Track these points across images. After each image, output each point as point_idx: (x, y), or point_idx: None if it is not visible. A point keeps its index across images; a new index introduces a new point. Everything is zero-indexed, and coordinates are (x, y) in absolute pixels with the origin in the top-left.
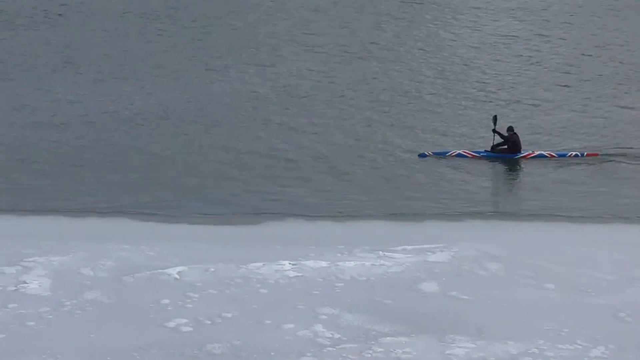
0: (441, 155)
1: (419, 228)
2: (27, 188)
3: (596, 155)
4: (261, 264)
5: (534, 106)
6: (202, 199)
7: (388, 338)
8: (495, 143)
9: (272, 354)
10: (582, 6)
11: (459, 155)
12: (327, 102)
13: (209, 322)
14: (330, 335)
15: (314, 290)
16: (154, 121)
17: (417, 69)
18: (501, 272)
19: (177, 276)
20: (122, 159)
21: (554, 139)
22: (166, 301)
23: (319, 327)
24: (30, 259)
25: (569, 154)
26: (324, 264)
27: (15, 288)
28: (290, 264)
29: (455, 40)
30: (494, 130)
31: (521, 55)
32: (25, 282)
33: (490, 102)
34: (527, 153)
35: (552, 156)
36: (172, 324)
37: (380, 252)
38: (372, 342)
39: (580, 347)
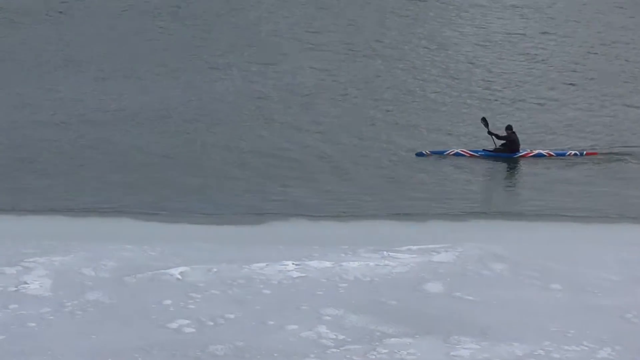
0: (439, 154)
1: (423, 228)
2: (27, 187)
3: (595, 154)
4: (264, 264)
5: (540, 105)
6: (205, 198)
7: (392, 339)
8: (496, 145)
9: (276, 355)
10: (588, 4)
11: (457, 154)
12: (330, 101)
13: (211, 323)
14: (334, 337)
15: (317, 291)
16: (156, 120)
17: (422, 67)
18: (506, 272)
19: (180, 276)
20: (123, 158)
21: (559, 138)
22: (168, 302)
23: (322, 328)
24: (31, 259)
25: (568, 153)
26: (327, 264)
27: (15, 288)
28: (293, 264)
29: (460, 38)
30: (490, 133)
31: (527, 54)
32: (25, 283)
33: (496, 100)
34: (525, 152)
35: (551, 155)
36: (174, 325)
37: (385, 252)
38: (377, 343)
39: (586, 348)
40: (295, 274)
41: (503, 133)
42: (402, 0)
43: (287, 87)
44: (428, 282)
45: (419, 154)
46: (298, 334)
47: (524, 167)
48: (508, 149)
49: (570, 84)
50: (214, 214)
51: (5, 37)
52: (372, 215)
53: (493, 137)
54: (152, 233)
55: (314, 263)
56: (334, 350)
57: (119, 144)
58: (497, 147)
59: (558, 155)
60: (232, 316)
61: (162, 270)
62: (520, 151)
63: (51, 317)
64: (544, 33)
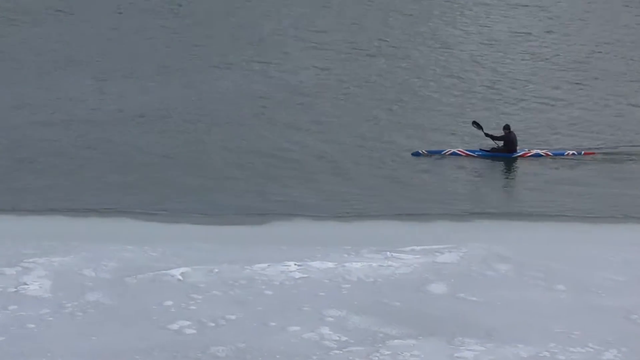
0: (435, 153)
1: (426, 228)
2: (27, 187)
3: (593, 154)
4: (266, 265)
5: (543, 104)
6: (206, 198)
7: (396, 340)
8: (496, 144)
9: (277, 356)
10: (593, 2)
11: (454, 154)
12: (332, 100)
13: (212, 324)
14: (337, 338)
15: (320, 292)
16: (157, 120)
17: (425, 66)
18: (511, 273)
19: (181, 277)
20: (124, 158)
21: (563, 137)
22: (169, 303)
23: (325, 330)
24: (31, 260)
25: (566, 152)
26: (330, 265)
27: (15, 289)
28: (295, 265)
29: (463, 37)
30: (486, 134)
31: (531, 53)
32: (25, 284)
33: (500, 99)
34: (523, 152)
35: (548, 155)
36: (175, 326)
37: (388, 252)
38: (380, 345)
39: (592, 349)
40: (298, 275)
41: (500, 133)
42: None
43: (288, 86)
44: (431, 283)
45: (415, 154)
46: (300, 335)
47: (525, 167)
48: (505, 149)
49: (575, 83)
50: (215, 214)
51: (5, 35)
52: (375, 215)
53: (490, 138)
54: (152, 233)
55: (316, 264)
56: (337, 351)
57: (119, 144)
58: (495, 146)
59: (556, 155)
60: (233, 317)
61: (163, 271)
62: (518, 151)
63: (51, 318)
64: (548, 32)
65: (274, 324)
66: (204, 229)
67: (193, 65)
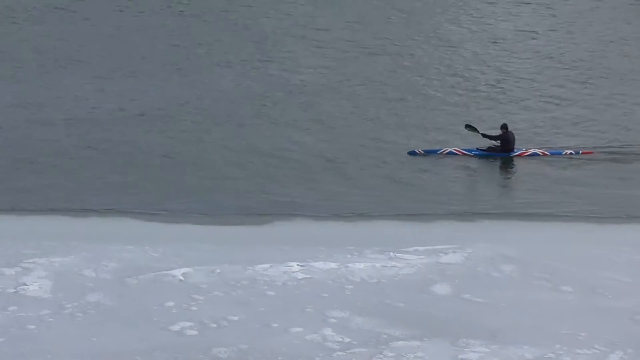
0: (432, 153)
1: (429, 228)
2: (27, 187)
3: (590, 153)
4: (268, 265)
5: (548, 103)
6: (207, 198)
7: (399, 342)
8: (495, 144)
9: (280, 358)
10: (598, 0)
11: (450, 154)
12: (335, 100)
13: (214, 325)
14: (340, 339)
15: (323, 293)
16: (158, 119)
17: (429, 64)
18: (515, 273)
19: (182, 278)
20: (124, 158)
21: (567, 137)
22: (170, 304)
23: (328, 331)
24: (31, 260)
25: (564, 152)
26: (333, 265)
27: (15, 290)
28: (298, 265)
29: (468, 35)
30: (483, 135)
31: (536, 51)
32: (25, 284)
33: (504, 98)
34: (520, 152)
35: (545, 154)
36: (176, 327)
37: (391, 253)
38: (383, 347)
39: (598, 351)
40: (300, 275)
41: (498, 132)
42: None
43: (290, 85)
44: (436, 284)
45: (412, 153)
46: (303, 337)
47: (526, 166)
48: (502, 148)
49: (580, 81)
50: (216, 214)
51: (7, 34)
52: (378, 215)
53: (487, 138)
54: (153, 233)
55: (319, 264)
56: (340, 353)
57: (119, 144)
58: (492, 146)
59: (553, 154)
60: (235, 318)
61: (164, 272)
62: (515, 150)
63: (51, 319)
64: (553, 30)
65: (276, 325)
66: (205, 229)
67: (194, 64)
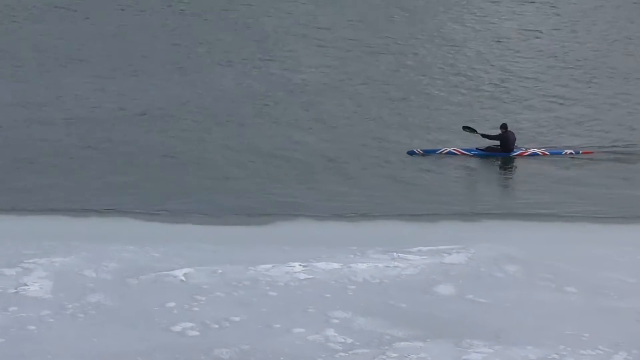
0: (431, 152)
1: (432, 229)
2: (27, 187)
3: (590, 153)
4: (270, 265)
5: (552, 102)
6: (208, 198)
7: (402, 343)
8: (492, 145)
9: (282, 359)
10: None
11: (450, 153)
12: (337, 99)
13: (216, 326)
14: (343, 340)
15: (325, 293)
16: (158, 118)
17: (432, 63)
18: (519, 274)
19: (183, 278)
20: (125, 158)
21: (571, 136)
22: (172, 304)
23: (330, 332)
24: (31, 260)
25: (564, 152)
26: (335, 265)
27: (15, 290)
28: (300, 265)
29: (471, 34)
30: (483, 136)
31: (540, 50)
32: (25, 284)
33: (508, 97)
34: (520, 151)
35: (545, 154)
36: (178, 328)
37: (394, 253)
38: (386, 347)
39: (602, 352)
40: (302, 276)
41: (497, 132)
42: None
43: (291, 84)
44: (439, 284)
45: (411, 152)
46: (305, 337)
47: (527, 166)
48: (502, 148)
49: (584, 81)
50: (217, 214)
51: (8, 32)
52: (380, 215)
53: (487, 138)
54: (154, 234)
55: (321, 264)
56: (342, 354)
57: (120, 143)
58: (491, 145)
59: (553, 154)
60: (237, 319)
61: (165, 272)
62: (515, 150)
63: (51, 320)
64: (557, 29)
65: (278, 325)
66: (206, 229)
67: (195, 64)
